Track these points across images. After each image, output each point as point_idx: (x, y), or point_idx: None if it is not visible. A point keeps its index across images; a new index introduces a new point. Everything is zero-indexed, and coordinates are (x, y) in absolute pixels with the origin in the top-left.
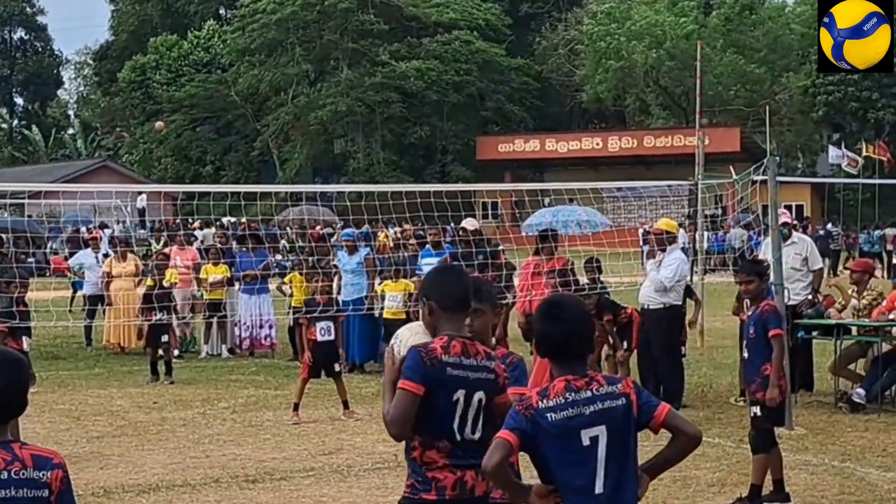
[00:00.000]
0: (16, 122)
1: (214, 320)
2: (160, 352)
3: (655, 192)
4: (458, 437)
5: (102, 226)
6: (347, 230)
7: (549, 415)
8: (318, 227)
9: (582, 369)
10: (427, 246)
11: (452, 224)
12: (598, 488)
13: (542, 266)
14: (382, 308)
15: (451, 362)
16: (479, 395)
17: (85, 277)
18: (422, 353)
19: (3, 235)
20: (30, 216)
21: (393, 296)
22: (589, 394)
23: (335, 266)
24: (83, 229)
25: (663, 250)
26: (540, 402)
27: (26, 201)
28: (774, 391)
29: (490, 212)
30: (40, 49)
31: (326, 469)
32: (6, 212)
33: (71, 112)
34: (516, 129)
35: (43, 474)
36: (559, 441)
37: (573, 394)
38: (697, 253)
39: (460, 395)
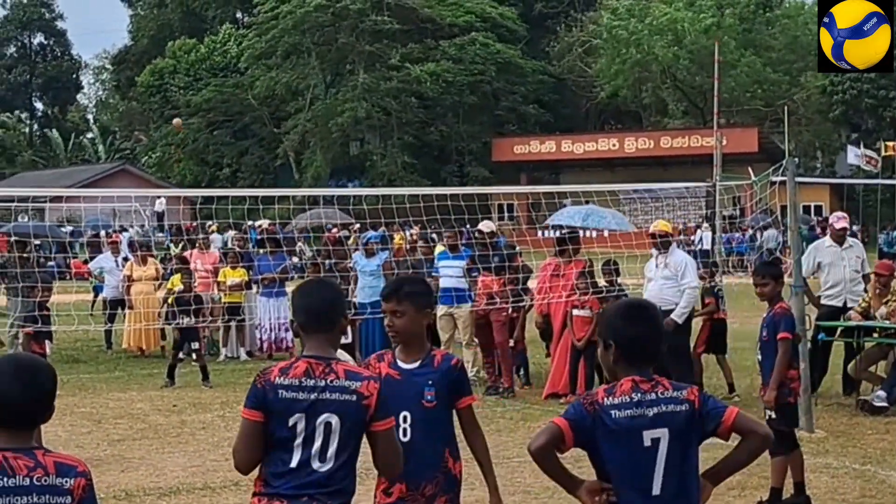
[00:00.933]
0: (36, 126)
1: (233, 324)
2: (193, 357)
3: (672, 194)
4: (296, 466)
5: (122, 229)
6: (368, 233)
7: (613, 412)
8: (334, 230)
9: (649, 372)
10: (444, 249)
11: (468, 226)
12: (656, 490)
13: (561, 268)
14: None
15: (285, 384)
16: (325, 418)
17: (105, 281)
18: (258, 377)
19: (26, 240)
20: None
21: None
22: (654, 396)
23: (352, 269)
24: (103, 233)
25: (664, 251)
26: (606, 399)
27: (47, 205)
28: (772, 393)
29: (506, 214)
30: (59, 54)
31: None
32: (27, 216)
33: (90, 116)
34: (532, 129)
35: (65, 481)
36: (620, 439)
37: (639, 394)
38: (716, 254)
39: (298, 419)
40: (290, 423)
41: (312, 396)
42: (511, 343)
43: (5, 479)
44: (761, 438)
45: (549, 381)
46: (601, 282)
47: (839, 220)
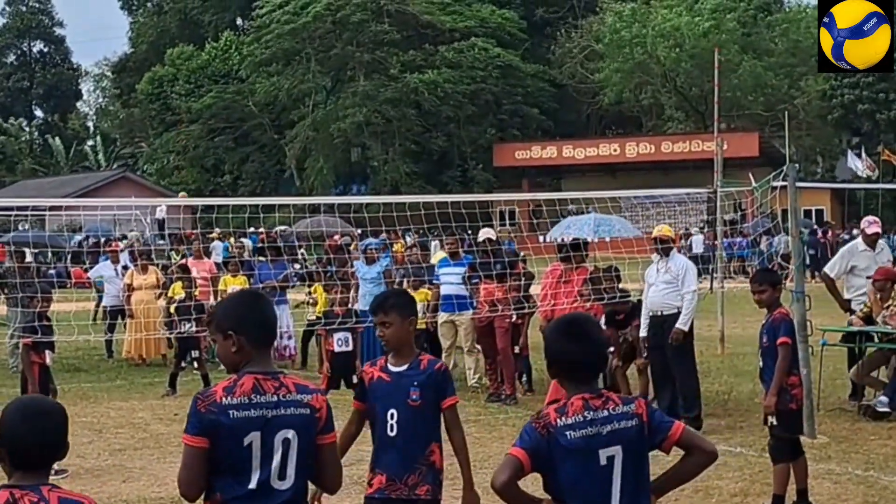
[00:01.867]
0: (36, 133)
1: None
2: (195, 365)
3: (674, 199)
4: (255, 487)
5: (122, 238)
6: (368, 240)
7: (568, 433)
8: (335, 237)
9: (597, 387)
10: (445, 256)
11: (469, 233)
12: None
13: (566, 274)
14: None
15: (234, 404)
16: (284, 434)
17: (105, 290)
18: (198, 400)
19: (26, 249)
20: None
21: None
22: (605, 413)
23: (353, 276)
24: (103, 241)
25: (665, 256)
26: (559, 420)
27: (47, 214)
28: (772, 399)
29: (507, 221)
30: (59, 61)
31: (347, 481)
32: (27, 225)
33: (90, 124)
34: (534, 133)
35: None
36: (577, 460)
37: (591, 412)
38: (716, 260)
39: (254, 438)
40: (245, 442)
41: (268, 413)
42: (515, 350)
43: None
44: (707, 455)
45: (551, 387)
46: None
47: (871, 224)
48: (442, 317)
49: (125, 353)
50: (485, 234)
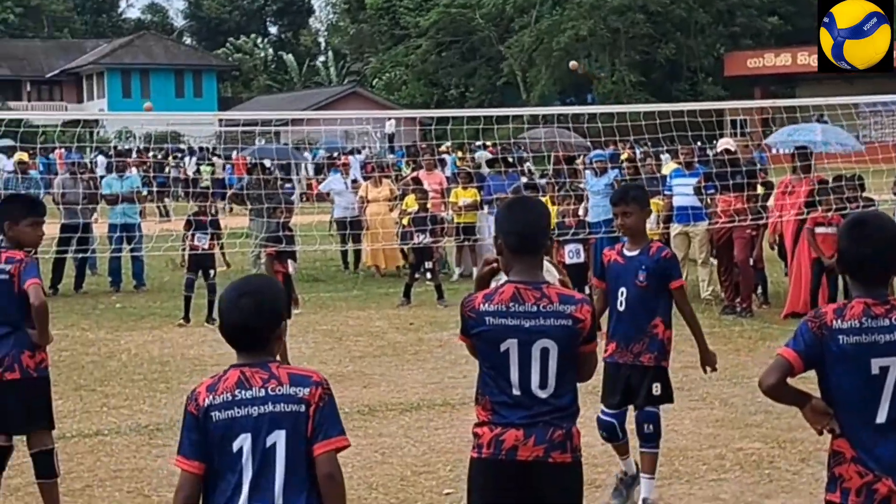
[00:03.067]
0: (270, 50)
1: (466, 243)
2: (428, 276)
3: None
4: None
5: (355, 151)
6: (597, 151)
7: (840, 337)
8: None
9: (883, 293)
10: (677, 167)
11: (700, 143)
12: (880, 418)
13: (791, 185)
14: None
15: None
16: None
17: (335, 202)
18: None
19: (267, 161)
20: (286, 143)
21: None
22: (887, 322)
23: (583, 188)
24: (335, 154)
25: None
26: (835, 321)
27: (288, 128)
28: None
29: (738, 130)
30: None
31: (581, 389)
32: (265, 139)
33: (321, 39)
34: (767, 43)
35: (299, 390)
36: (846, 366)
37: (870, 319)
38: None
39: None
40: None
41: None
42: (750, 262)
43: (243, 392)
44: None
45: (788, 300)
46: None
47: None
48: (675, 228)
49: (366, 263)
50: (724, 144)
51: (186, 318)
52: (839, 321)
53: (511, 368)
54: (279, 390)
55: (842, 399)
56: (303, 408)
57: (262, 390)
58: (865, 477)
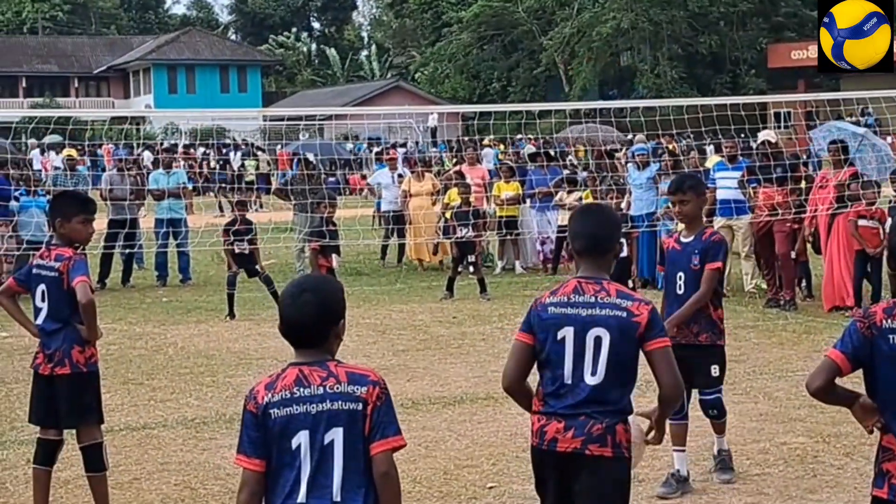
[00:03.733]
0: (314, 45)
1: (508, 237)
2: (471, 270)
3: None
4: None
5: (400, 145)
6: (639, 145)
7: (891, 336)
8: (605, 144)
9: None
10: (720, 160)
11: (743, 136)
12: None
13: (827, 179)
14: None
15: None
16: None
17: (382, 196)
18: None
19: (311, 156)
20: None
21: None
22: None
23: (625, 182)
24: (379, 148)
25: None
26: (885, 321)
27: (333, 122)
28: None
29: (782, 123)
30: None
31: None
32: (307, 134)
33: (364, 34)
34: (811, 34)
35: (356, 388)
36: (895, 364)
37: None
38: None
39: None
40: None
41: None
42: (793, 255)
43: (302, 390)
44: None
45: (823, 293)
46: (888, 191)
47: None
48: (719, 221)
49: (411, 256)
50: (764, 136)
51: (231, 314)
52: (890, 321)
53: (566, 356)
54: (337, 388)
55: (888, 398)
56: (360, 406)
57: (321, 388)
58: None
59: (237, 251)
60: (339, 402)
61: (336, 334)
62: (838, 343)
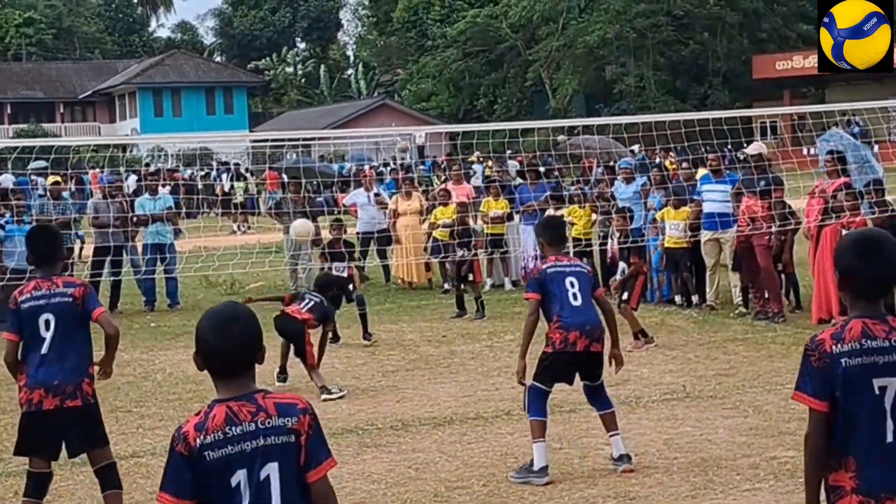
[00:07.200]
0: (300, 66)
1: (496, 254)
2: (466, 289)
3: None
4: None
5: (385, 164)
6: (624, 159)
7: (843, 360)
8: (590, 158)
9: (881, 312)
10: (706, 172)
11: (730, 148)
12: (889, 437)
13: (818, 188)
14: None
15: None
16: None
17: (358, 216)
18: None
19: (298, 178)
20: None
21: (674, 224)
22: (886, 343)
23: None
24: (366, 168)
25: None
26: (834, 347)
27: (317, 142)
28: None
29: (769, 136)
30: None
31: (615, 401)
32: (295, 154)
33: (350, 53)
34: (795, 44)
35: (287, 420)
36: (852, 386)
37: (870, 340)
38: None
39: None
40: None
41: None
42: (779, 266)
43: (233, 428)
44: None
45: (814, 304)
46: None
47: None
48: (705, 235)
49: (399, 276)
50: (755, 148)
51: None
52: (839, 345)
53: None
54: (269, 423)
55: (852, 420)
56: (293, 438)
57: (252, 424)
58: None
59: (335, 275)
60: (273, 437)
61: (258, 361)
62: (801, 384)
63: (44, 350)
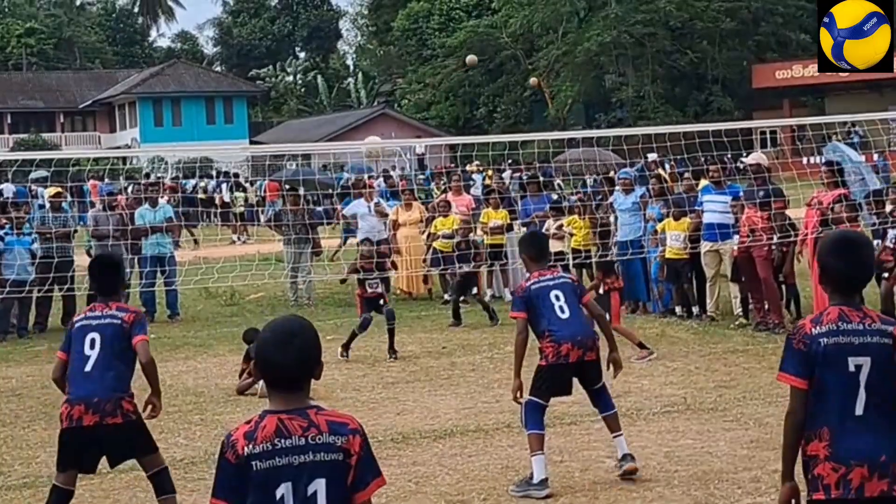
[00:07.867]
0: (300, 75)
1: (496, 266)
2: (466, 300)
3: None
4: None
5: (385, 175)
6: (623, 169)
7: (822, 339)
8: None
9: (857, 303)
10: (707, 183)
11: (729, 157)
12: (859, 411)
13: (815, 198)
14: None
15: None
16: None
17: (358, 226)
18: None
19: (297, 189)
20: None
21: (675, 235)
22: (861, 326)
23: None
24: (366, 177)
25: None
26: (813, 329)
27: (317, 152)
28: None
29: (769, 146)
30: (319, 2)
31: None
32: (295, 164)
33: (349, 62)
34: (794, 53)
35: (338, 439)
36: (828, 364)
37: (845, 323)
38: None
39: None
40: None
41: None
42: (780, 277)
43: (283, 441)
44: None
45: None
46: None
47: None
48: (705, 246)
49: (399, 288)
50: (754, 158)
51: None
52: (818, 327)
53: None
54: (319, 439)
55: (826, 394)
56: (342, 457)
57: (302, 439)
58: (839, 471)
59: (369, 291)
60: (322, 454)
61: (315, 377)
62: (784, 363)
63: (87, 368)
